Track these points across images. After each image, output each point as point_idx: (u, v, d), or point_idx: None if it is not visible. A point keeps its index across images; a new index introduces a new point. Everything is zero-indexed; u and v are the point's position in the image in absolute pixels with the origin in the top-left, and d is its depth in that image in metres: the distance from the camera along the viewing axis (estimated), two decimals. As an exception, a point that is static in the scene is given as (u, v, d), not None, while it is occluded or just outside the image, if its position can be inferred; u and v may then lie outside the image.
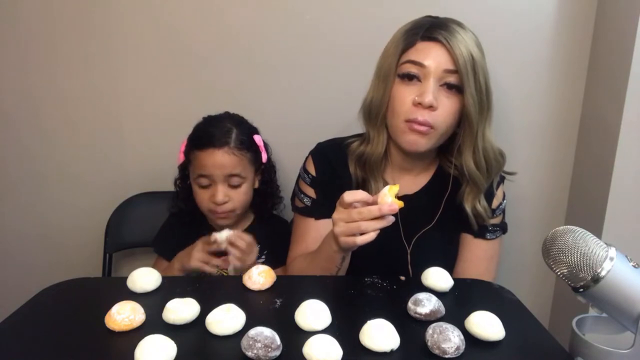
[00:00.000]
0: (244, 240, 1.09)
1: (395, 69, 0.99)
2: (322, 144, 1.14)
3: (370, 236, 0.85)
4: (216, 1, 1.32)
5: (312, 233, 1.09)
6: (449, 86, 0.96)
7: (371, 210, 0.83)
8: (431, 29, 0.97)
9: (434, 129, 0.97)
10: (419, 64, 0.96)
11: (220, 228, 1.14)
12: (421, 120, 0.95)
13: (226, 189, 1.15)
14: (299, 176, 1.14)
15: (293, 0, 1.31)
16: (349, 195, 0.85)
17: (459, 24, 0.98)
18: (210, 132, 1.15)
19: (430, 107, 0.95)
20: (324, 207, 1.07)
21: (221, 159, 1.13)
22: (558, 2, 1.28)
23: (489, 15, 1.27)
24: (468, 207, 1.05)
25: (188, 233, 1.22)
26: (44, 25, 1.35)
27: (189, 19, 1.33)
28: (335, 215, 0.88)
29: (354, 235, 0.85)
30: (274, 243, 1.21)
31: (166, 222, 1.28)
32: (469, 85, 0.95)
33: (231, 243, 1.08)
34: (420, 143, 0.98)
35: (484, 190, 1.05)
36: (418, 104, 0.95)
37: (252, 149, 1.19)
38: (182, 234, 1.22)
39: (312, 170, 1.11)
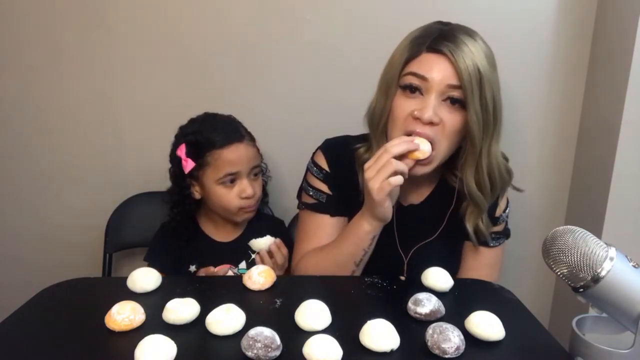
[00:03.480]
0: (283, 253, 1.11)
1: (397, 79, 0.95)
2: (332, 141, 1.11)
3: (399, 178, 0.89)
4: (216, 3, 1.32)
5: (329, 230, 1.06)
6: (453, 101, 0.92)
7: (398, 144, 0.89)
8: (438, 39, 0.92)
9: (430, 158, 0.93)
10: (422, 77, 0.92)
11: (242, 224, 1.17)
12: (420, 133, 0.92)
13: (251, 181, 1.16)
14: (308, 171, 1.11)
15: (293, 1, 1.31)
16: (393, 147, 0.89)
17: (470, 34, 0.93)
18: (223, 129, 1.15)
19: (430, 123, 0.91)
20: (339, 204, 1.06)
21: (246, 152, 1.15)
22: (558, 2, 1.28)
23: (488, 16, 1.27)
24: (469, 227, 1.02)
25: (183, 246, 1.21)
26: (44, 25, 1.35)
27: (189, 20, 1.33)
28: (367, 173, 0.91)
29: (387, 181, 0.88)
30: None
31: (157, 237, 1.24)
32: (472, 102, 0.90)
33: (269, 252, 1.09)
34: (420, 168, 0.95)
35: (486, 210, 1.02)
36: (417, 119, 0.92)
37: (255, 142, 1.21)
38: (175, 246, 1.21)
39: (324, 165, 1.08)
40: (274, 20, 1.32)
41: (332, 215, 1.08)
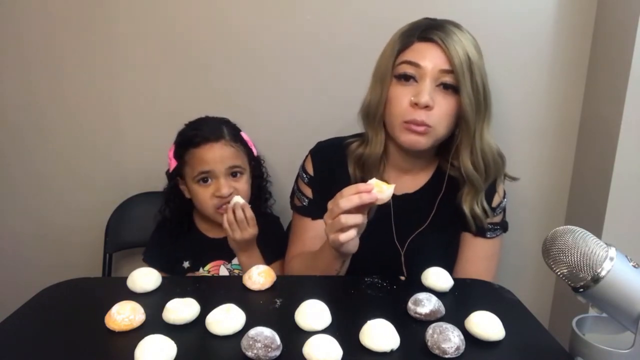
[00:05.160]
0: (246, 213, 1.10)
1: (391, 69, 0.99)
2: (322, 143, 1.14)
3: (351, 233, 0.84)
4: (217, 3, 1.32)
5: (310, 233, 1.10)
6: (446, 86, 0.96)
7: (350, 199, 0.83)
8: (428, 30, 0.97)
9: (432, 128, 0.97)
10: (415, 64, 0.96)
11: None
12: (419, 121, 0.96)
13: (229, 181, 1.17)
14: (298, 175, 1.15)
15: (293, 1, 1.31)
16: (345, 203, 0.83)
17: (456, 25, 0.99)
18: (202, 129, 1.17)
19: (427, 107, 0.95)
20: (320, 208, 1.06)
21: (221, 152, 1.15)
22: (558, 2, 1.28)
23: (488, 16, 1.27)
24: (466, 209, 1.05)
25: (177, 243, 1.22)
26: (44, 25, 1.35)
27: (189, 20, 1.33)
28: (325, 216, 0.88)
29: (340, 231, 0.84)
30: (268, 239, 1.21)
31: (154, 235, 1.27)
32: (465, 85, 0.95)
33: (234, 210, 1.09)
34: (420, 142, 0.98)
35: (483, 192, 1.05)
36: (415, 105, 0.96)
37: (243, 143, 1.22)
38: (170, 242, 1.23)
39: (310, 169, 1.12)
40: (274, 21, 1.32)
41: (313, 219, 1.10)
